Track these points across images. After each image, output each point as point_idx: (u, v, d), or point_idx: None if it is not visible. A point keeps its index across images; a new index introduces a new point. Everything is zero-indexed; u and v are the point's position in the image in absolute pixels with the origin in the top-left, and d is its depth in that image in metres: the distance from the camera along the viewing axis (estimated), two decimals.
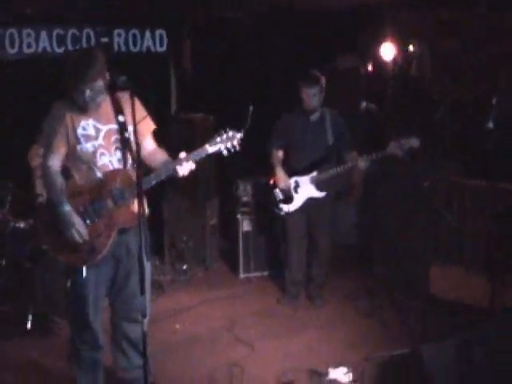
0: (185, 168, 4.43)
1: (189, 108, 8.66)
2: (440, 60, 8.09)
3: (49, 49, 8.03)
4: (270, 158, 6.94)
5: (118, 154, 4.51)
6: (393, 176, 7.53)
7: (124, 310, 4.69)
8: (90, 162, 4.44)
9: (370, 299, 7.03)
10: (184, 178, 4.48)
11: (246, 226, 7.95)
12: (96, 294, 4.56)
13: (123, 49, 8.36)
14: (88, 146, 4.42)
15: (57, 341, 6.05)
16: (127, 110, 4.33)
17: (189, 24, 8.76)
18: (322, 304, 7.03)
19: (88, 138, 4.42)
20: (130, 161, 4.52)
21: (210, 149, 4.45)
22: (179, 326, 6.52)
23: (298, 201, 6.86)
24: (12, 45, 7.85)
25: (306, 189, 6.83)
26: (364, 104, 5.89)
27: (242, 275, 7.98)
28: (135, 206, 4.39)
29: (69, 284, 4.58)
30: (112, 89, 4.41)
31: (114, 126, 4.49)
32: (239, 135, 4.49)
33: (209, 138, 7.10)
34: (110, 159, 4.48)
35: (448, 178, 6.84)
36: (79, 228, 4.35)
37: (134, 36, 8.48)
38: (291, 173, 6.86)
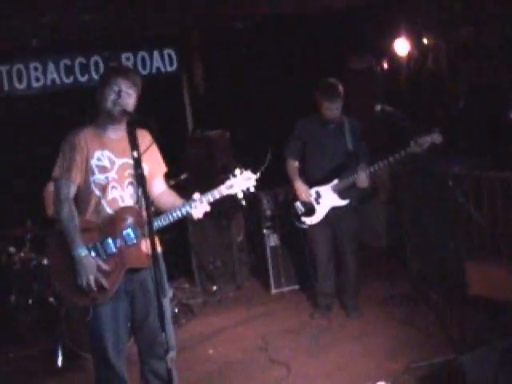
0: (199, 211, 4.41)
1: (205, 124, 8.53)
2: (456, 49, 7.86)
3: (58, 80, 7.98)
4: (287, 168, 6.75)
5: (130, 189, 4.38)
6: (420, 174, 7.32)
7: (148, 347, 4.52)
8: (100, 195, 4.30)
9: (405, 305, 6.81)
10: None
11: (272, 240, 7.78)
12: (116, 333, 4.39)
13: None
14: (101, 178, 4.29)
15: (88, 377, 5.89)
16: (143, 146, 4.24)
17: (196, 39, 8.63)
18: (357, 315, 6.79)
19: (102, 169, 4.30)
20: (141, 198, 4.38)
21: (226, 191, 4.43)
22: (212, 351, 6.36)
23: (321, 212, 6.65)
24: (20, 80, 7.80)
25: (328, 198, 6.61)
26: (379, 107, 5.66)
27: (273, 291, 7.81)
28: (147, 246, 4.28)
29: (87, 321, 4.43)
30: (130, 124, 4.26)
31: (129, 161, 4.30)
32: (255, 177, 4.46)
33: (226, 156, 7.01)
34: (120, 194, 4.35)
35: (474, 173, 6.59)
36: (93, 276, 4.19)
37: (143, 58, 8.41)
38: (310, 183, 6.65)
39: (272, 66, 8.66)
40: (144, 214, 4.26)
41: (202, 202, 4.39)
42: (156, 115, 4.04)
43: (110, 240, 4.28)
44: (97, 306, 4.28)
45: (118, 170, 4.33)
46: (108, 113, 4.30)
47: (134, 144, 4.29)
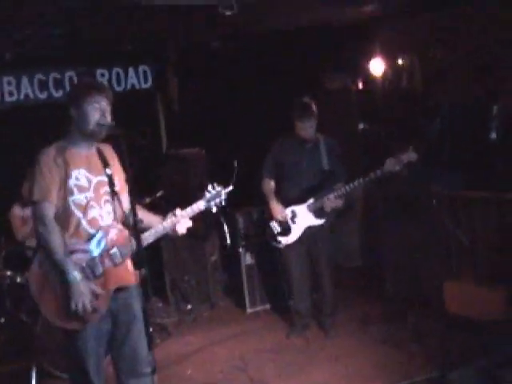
0: (183, 226, 4.49)
1: (180, 142, 8.47)
2: (430, 69, 7.92)
3: (31, 95, 7.87)
4: (262, 187, 6.72)
5: (108, 206, 4.31)
6: (395, 192, 7.33)
7: (128, 365, 4.41)
8: (80, 215, 4.18)
9: (384, 324, 6.79)
10: None
11: (248, 259, 7.72)
12: (97, 354, 4.30)
13: None
14: (81, 198, 4.18)
15: None
16: (112, 163, 4.34)
17: (172, 57, 8.59)
18: (335, 334, 6.74)
19: (81, 188, 4.19)
20: (118, 214, 4.34)
21: (202, 206, 4.54)
22: (190, 371, 6.25)
23: (297, 231, 6.60)
24: None
25: (304, 218, 6.58)
26: (362, 125, 5.67)
27: (248, 310, 7.75)
28: (130, 264, 4.35)
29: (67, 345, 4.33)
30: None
31: (104, 178, 4.30)
32: (225, 191, 4.60)
33: (201, 174, 7.03)
34: (99, 212, 4.25)
35: (455, 193, 6.62)
36: (88, 300, 4.09)
37: (118, 74, 8.36)
38: (286, 202, 6.61)
39: (247, 85, 8.64)
40: (126, 231, 4.28)
41: (184, 217, 4.44)
42: (131, 136, 4.01)
43: (96, 260, 4.20)
44: (84, 328, 4.19)
45: (95, 189, 4.25)
46: (91, 132, 4.21)
47: (104, 161, 4.29)
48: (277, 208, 6.58)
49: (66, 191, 4.15)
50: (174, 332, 7.32)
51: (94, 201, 4.22)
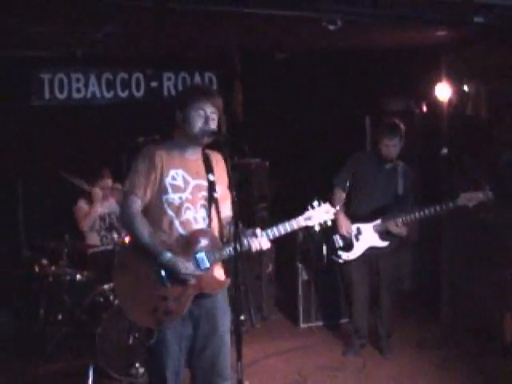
0: (262, 243, 4.24)
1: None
2: (498, 99, 7.85)
3: (98, 94, 7.91)
4: (333, 197, 6.62)
5: (203, 211, 4.26)
6: (454, 220, 7.27)
7: (204, 376, 4.33)
8: (173, 215, 4.17)
9: (440, 348, 6.77)
10: None
11: (305, 274, 7.65)
12: (177, 358, 4.23)
13: (173, 92, 8.25)
14: (175, 197, 4.16)
15: None
16: (216, 169, 4.28)
17: (237, 66, 8.59)
18: (392, 356, 6.68)
19: (176, 188, 4.18)
20: (214, 221, 4.29)
21: (303, 222, 4.31)
22: (248, 382, 6.17)
23: (359, 249, 6.54)
24: (61, 90, 7.73)
25: (368, 237, 6.51)
26: (445, 150, 5.59)
27: (302, 325, 7.67)
28: (219, 272, 4.28)
29: (149, 344, 4.28)
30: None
31: (204, 183, 4.26)
32: (333, 210, 4.37)
33: (263, 185, 6.88)
34: (194, 215, 4.22)
35: None
36: (189, 269, 4.10)
37: (184, 79, 8.38)
38: (353, 218, 6.55)
39: (311, 99, 8.63)
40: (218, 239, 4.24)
41: (269, 236, 4.26)
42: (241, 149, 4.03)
43: None
44: (162, 329, 4.15)
45: (193, 191, 4.22)
46: (194, 137, 4.18)
47: (208, 166, 4.25)
48: (344, 222, 6.52)
49: (160, 189, 4.15)
50: None
51: (189, 202, 4.20)
